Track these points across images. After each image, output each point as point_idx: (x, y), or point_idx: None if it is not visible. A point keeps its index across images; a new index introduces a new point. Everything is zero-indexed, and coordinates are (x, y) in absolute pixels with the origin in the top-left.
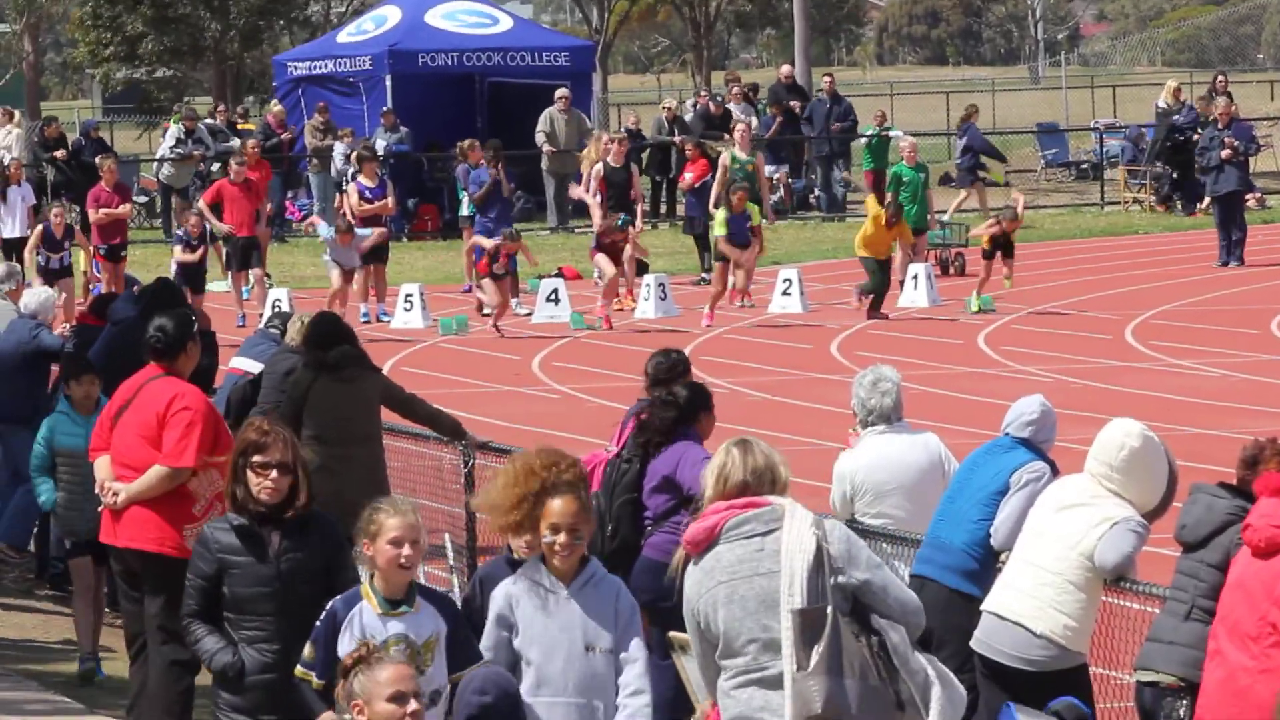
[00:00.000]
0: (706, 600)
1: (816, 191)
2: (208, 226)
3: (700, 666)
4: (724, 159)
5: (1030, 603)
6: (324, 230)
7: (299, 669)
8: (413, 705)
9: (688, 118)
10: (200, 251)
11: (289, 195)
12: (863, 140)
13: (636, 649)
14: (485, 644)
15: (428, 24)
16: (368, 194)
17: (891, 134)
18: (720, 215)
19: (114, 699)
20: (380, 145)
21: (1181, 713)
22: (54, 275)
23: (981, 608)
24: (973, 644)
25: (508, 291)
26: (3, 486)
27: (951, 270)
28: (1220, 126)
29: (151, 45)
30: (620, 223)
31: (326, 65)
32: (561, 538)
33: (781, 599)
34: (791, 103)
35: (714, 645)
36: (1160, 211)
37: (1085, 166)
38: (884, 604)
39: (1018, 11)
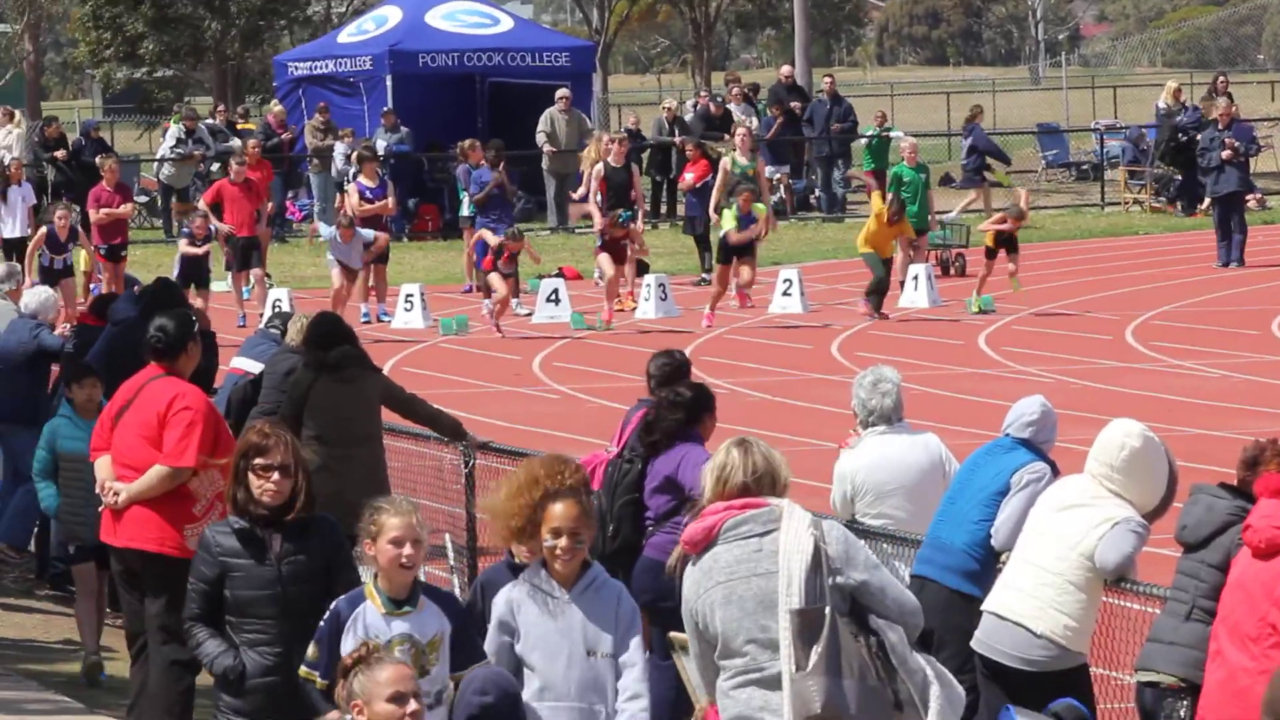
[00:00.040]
0: (704, 601)
1: (817, 192)
2: (214, 227)
3: (699, 667)
4: (725, 163)
5: (1030, 603)
6: (326, 230)
7: (303, 669)
8: (412, 705)
9: (688, 118)
10: (205, 249)
11: (289, 195)
12: (863, 141)
13: (635, 653)
14: (487, 649)
15: (428, 24)
16: (368, 194)
17: (892, 135)
18: (729, 214)
19: (115, 699)
20: (381, 145)
21: (1182, 713)
22: (56, 276)
23: (982, 608)
24: (973, 644)
25: (511, 289)
26: (3, 487)
27: (952, 271)
28: (1220, 127)
29: (152, 45)
30: (622, 218)
31: (327, 65)
32: (563, 542)
33: (779, 599)
34: (792, 104)
35: (712, 646)
36: (1169, 212)
37: (1086, 167)
38: (882, 604)
39: (1018, 12)
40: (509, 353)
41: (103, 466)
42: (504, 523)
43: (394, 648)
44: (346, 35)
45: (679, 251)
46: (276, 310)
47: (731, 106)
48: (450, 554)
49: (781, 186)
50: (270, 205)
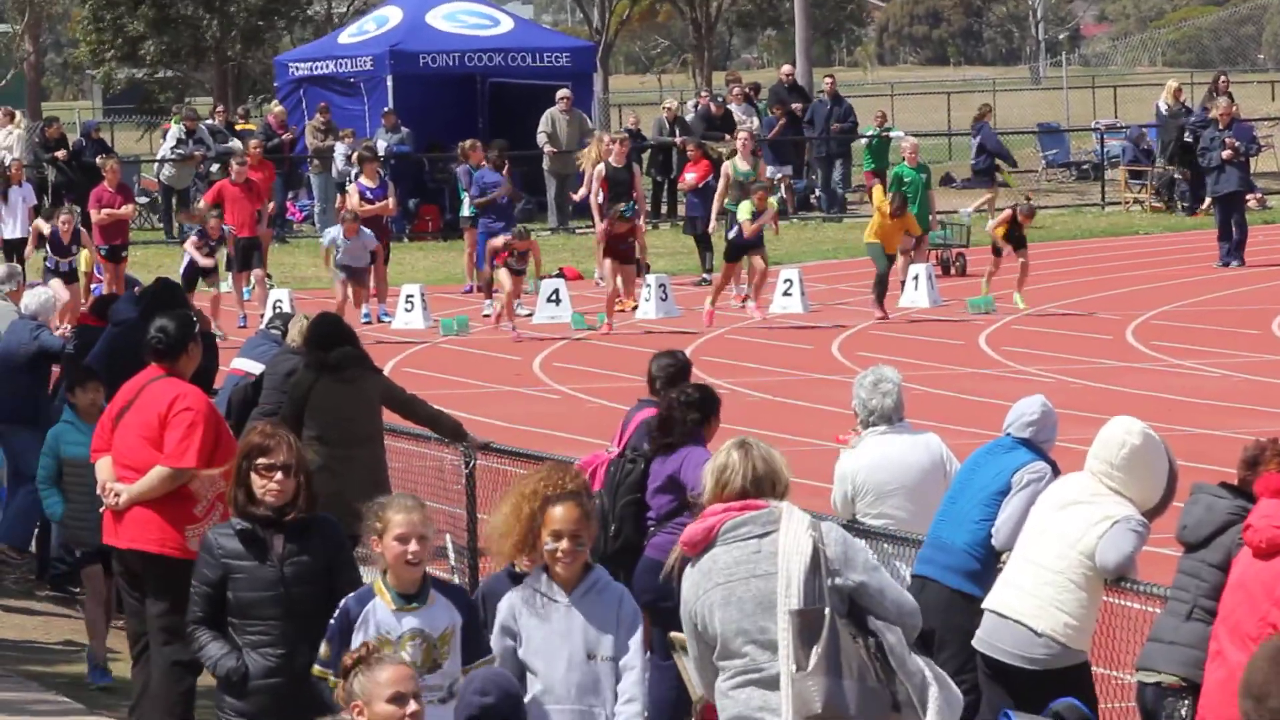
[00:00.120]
0: (704, 602)
1: (817, 192)
2: (226, 228)
3: (697, 668)
4: (726, 168)
5: (1031, 601)
6: (331, 232)
7: (316, 668)
8: (412, 706)
9: (689, 118)
10: (213, 261)
11: (290, 196)
12: (863, 141)
13: (635, 656)
14: None
15: (429, 25)
16: (369, 195)
17: (892, 135)
18: (746, 206)
19: (116, 700)
20: (381, 146)
21: (1183, 713)
22: (63, 278)
23: (983, 606)
24: (975, 643)
25: (519, 288)
26: (5, 488)
27: (953, 271)
28: (1221, 127)
29: (152, 46)
30: (624, 212)
31: (328, 66)
32: (563, 544)
33: (778, 600)
34: (793, 105)
35: (711, 647)
36: (1189, 214)
37: (1086, 167)
38: (881, 606)
39: (1019, 12)
40: (509, 353)
41: (103, 468)
42: (507, 542)
43: (405, 644)
44: (347, 36)
45: (679, 252)
46: (277, 311)
47: (732, 106)
48: (451, 555)
49: (782, 187)
50: (272, 205)
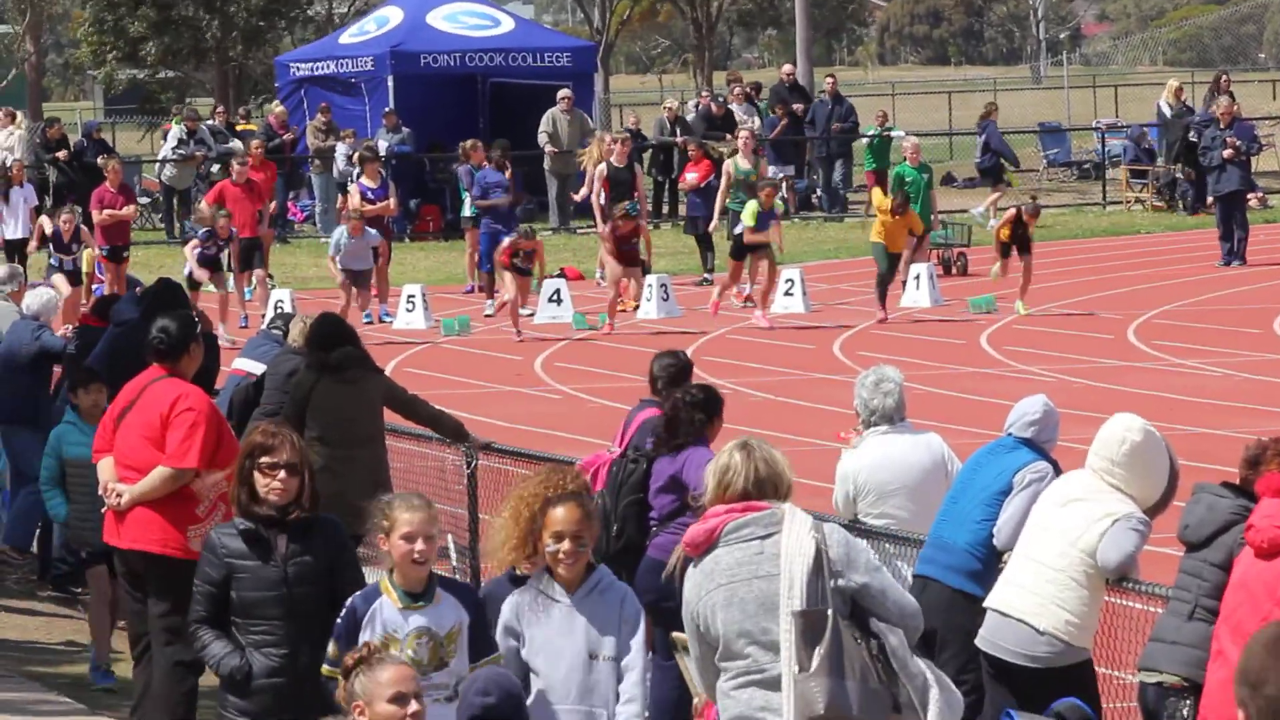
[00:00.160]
0: (706, 603)
1: (819, 192)
2: (233, 230)
3: (699, 669)
4: (727, 167)
5: (1033, 599)
6: (335, 235)
7: (325, 668)
8: (414, 706)
9: (689, 118)
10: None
11: (291, 196)
12: (864, 140)
13: (636, 656)
14: None
15: (429, 25)
16: (370, 195)
17: (893, 134)
18: (751, 207)
19: (118, 700)
20: (382, 146)
21: (1185, 713)
22: (70, 277)
23: (985, 604)
24: (977, 642)
25: (527, 289)
26: (7, 489)
27: (954, 270)
28: (1222, 126)
29: (154, 47)
30: (630, 210)
31: (329, 66)
32: (565, 545)
33: (781, 602)
34: (795, 106)
35: (713, 647)
36: (1192, 213)
37: (1087, 166)
38: (883, 607)
39: (1019, 11)
40: (510, 353)
41: (105, 468)
42: (507, 547)
43: (412, 642)
44: (348, 36)
45: (680, 251)
46: (279, 311)
47: (733, 106)
48: (453, 555)
49: (784, 187)
50: (273, 206)
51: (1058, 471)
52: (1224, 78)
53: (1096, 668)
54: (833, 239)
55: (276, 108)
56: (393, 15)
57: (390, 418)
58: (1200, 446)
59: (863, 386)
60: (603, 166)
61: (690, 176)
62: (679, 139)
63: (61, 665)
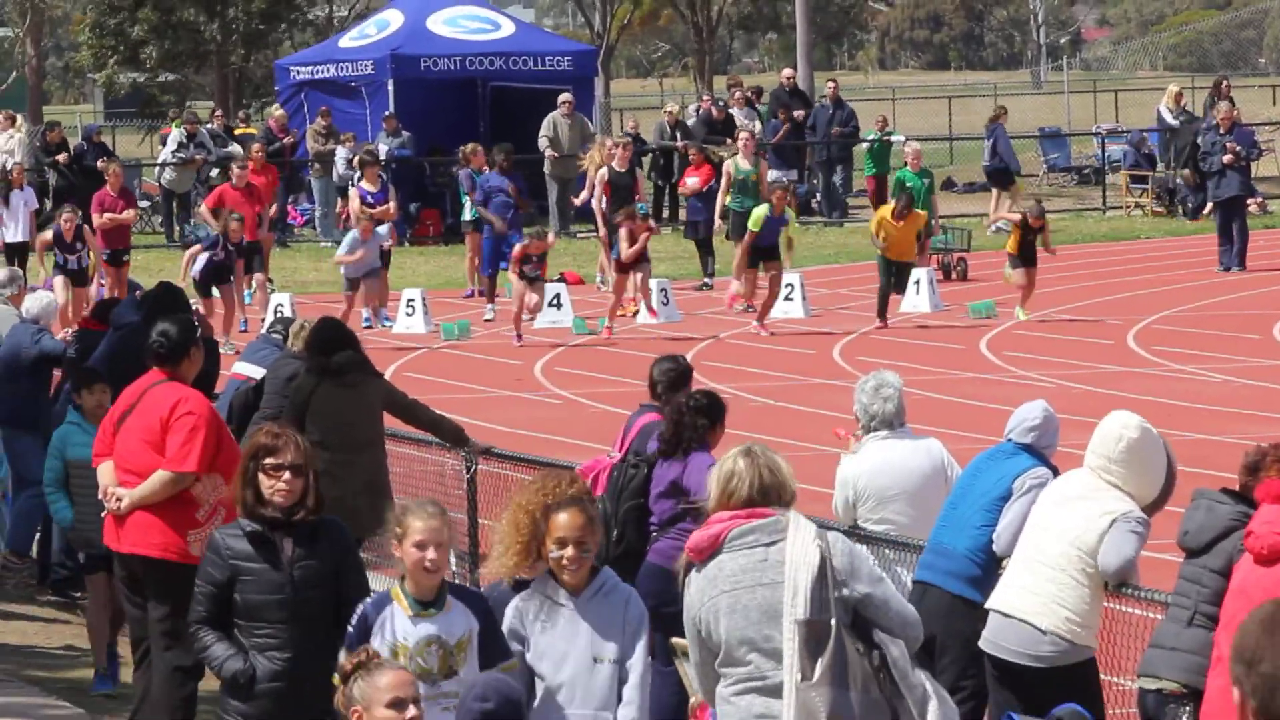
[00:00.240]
0: (708, 608)
1: (818, 196)
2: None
3: (699, 673)
4: (727, 167)
5: (1034, 599)
6: (346, 241)
7: (337, 677)
8: (411, 711)
9: (690, 122)
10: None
11: (290, 200)
12: (864, 145)
13: (638, 660)
14: None
15: (429, 29)
16: (370, 199)
17: (893, 139)
18: (759, 213)
19: (118, 705)
20: (382, 150)
21: (1184, 719)
22: (76, 276)
23: (987, 605)
24: (981, 644)
25: (540, 295)
26: (10, 495)
27: (954, 275)
28: (1222, 131)
29: (154, 50)
30: (641, 210)
31: (329, 70)
32: (569, 551)
33: (784, 610)
34: (797, 112)
35: (714, 653)
36: (1192, 219)
37: (1087, 171)
38: (885, 617)
39: (1020, 16)
40: (510, 358)
41: (105, 472)
42: (510, 555)
43: (421, 650)
44: (348, 40)
45: (680, 256)
46: (278, 315)
47: (733, 110)
48: (452, 560)
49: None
50: (274, 209)
51: (1057, 477)
52: (1224, 83)
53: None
54: (832, 244)
55: (276, 111)
56: (393, 19)
57: (390, 422)
58: (1199, 452)
59: (862, 392)
60: (604, 171)
61: (691, 181)
62: (679, 143)
63: (61, 670)
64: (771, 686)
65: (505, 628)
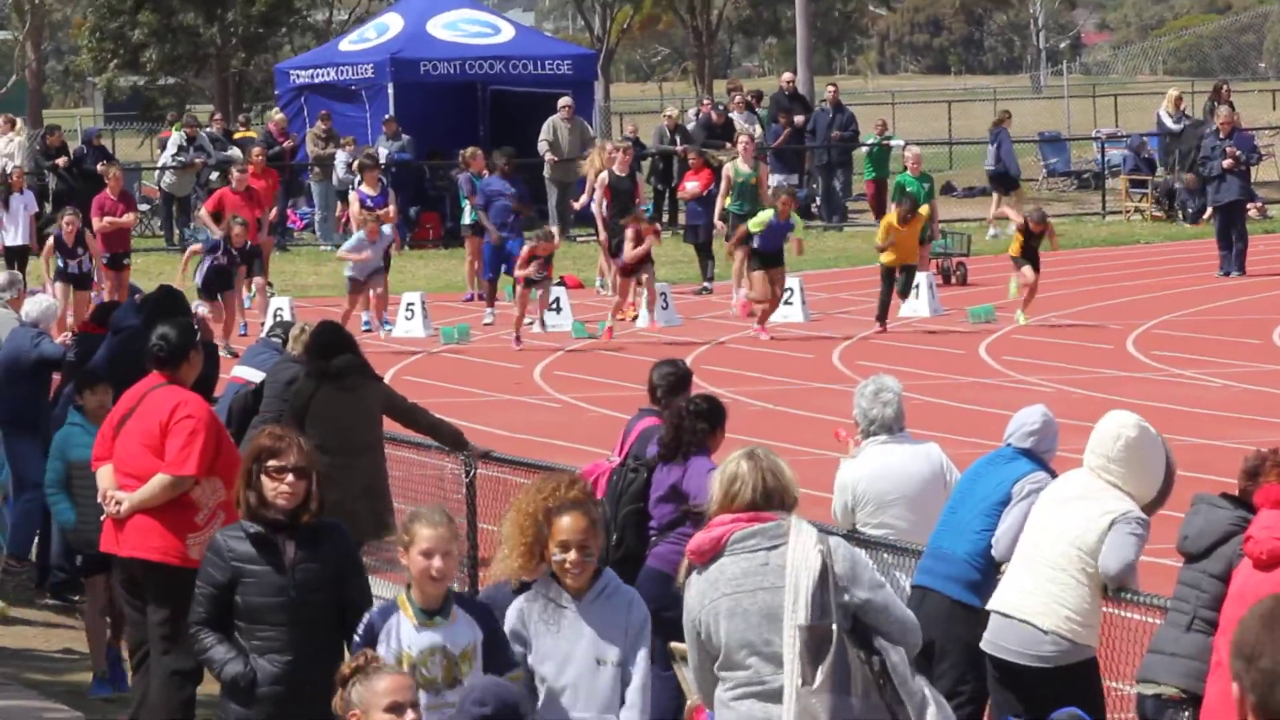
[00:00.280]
0: (709, 611)
1: (818, 201)
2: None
3: (697, 676)
4: (727, 170)
5: (1034, 600)
6: (350, 242)
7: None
8: (410, 716)
9: (690, 126)
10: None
11: (290, 204)
12: (864, 149)
13: (640, 663)
14: None
15: (429, 33)
16: (369, 202)
17: (893, 143)
18: (764, 216)
19: (116, 708)
20: (382, 153)
21: None
22: (79, 280)
23: (987, 607)
24: (983, 645)
25: (545, 298)
26: (11, 499)
27: (953, 280)
28: (1222, 136)
29: (154, 54)
30: (646, 211)
31: (329, 73)
32: (572, 555)
33: (785, 614)
34: (797, 117)
35: (713, 656)
36: (1192, 223)
37: (1087, 176)
38: (885, 623)
39: (1019, 21)
40: (510, 362)
41: (104, 475)
42: (513, 558)
43: (426, 659)
44: (348, 43)
45: (680, 260)
46: (278, 319)
47: (733, 115)
48: None
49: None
50: (274, 213)
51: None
52: (1224, 87)
53: None
54: (832, 248)
55: (276, 115)
56: (393, 23)
57: (389, 426)
58: (1199, 457)
59: (862, 396)
60: (604, 175)
61: (690, 185)
62: (679, 148)
63: (59, 673)
64: (771, 691)
65: (508, 629)
